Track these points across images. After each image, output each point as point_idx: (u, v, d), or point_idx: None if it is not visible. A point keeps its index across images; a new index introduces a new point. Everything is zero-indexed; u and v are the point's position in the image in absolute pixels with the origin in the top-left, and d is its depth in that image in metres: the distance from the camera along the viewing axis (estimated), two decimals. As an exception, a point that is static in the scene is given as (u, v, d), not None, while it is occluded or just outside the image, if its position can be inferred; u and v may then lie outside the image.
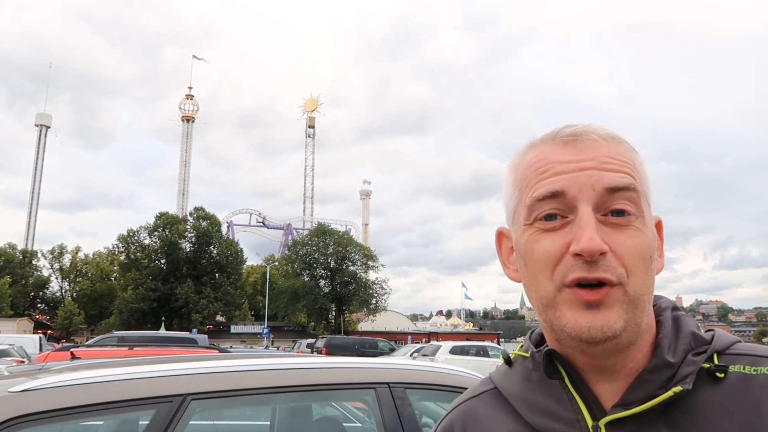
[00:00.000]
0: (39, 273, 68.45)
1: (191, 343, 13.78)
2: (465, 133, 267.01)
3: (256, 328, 57.03)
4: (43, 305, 69.48)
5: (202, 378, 1.97)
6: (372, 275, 64.33)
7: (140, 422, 1.86)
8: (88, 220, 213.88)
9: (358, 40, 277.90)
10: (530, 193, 0.70)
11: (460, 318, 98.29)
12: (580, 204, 0.67)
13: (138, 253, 59.16)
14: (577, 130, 0.71)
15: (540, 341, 0.77)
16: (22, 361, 13.62)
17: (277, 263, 72.22)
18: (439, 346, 21.90)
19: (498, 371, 0.83)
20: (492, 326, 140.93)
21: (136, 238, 59.60)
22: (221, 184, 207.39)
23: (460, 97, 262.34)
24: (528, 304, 0.76)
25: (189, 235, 60.22)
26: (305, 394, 2.21)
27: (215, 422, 2.51)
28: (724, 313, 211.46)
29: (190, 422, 1.87)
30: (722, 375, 0.66)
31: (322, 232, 62.89)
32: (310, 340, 31.04)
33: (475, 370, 2.76)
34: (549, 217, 0.68)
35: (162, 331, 23.84)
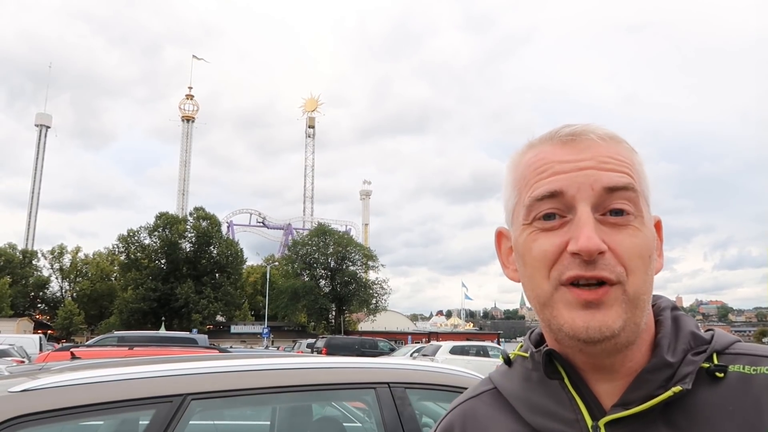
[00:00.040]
0: (39, 273, 68.45)
1: (191, 343, 13.78)
2: (465, 133, 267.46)
3: (256, 328, 57.02)
4: (43, 305, 69.47)
5: (202, 378, 1.97)
6: (372, 275, 64.41)
7: (140, 422, 1.86)
8: (88, 220, 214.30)
9: (358, 40, 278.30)
10: (529, 193, 0.70)
11: (460, 318, 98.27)
12: (579, 204, 0.66)
13: (138, 253, 59.16)
14: (576, 129, 0.71)
15: (540, 341, 0.77)
16: (22, 361, 13.62)
17: (277, 263, 72.22)
18: (439, 346, 21.89)
19: (497, 371, 0.83)
20: (492, 326, 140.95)
21: (136, 238, 59.62)
22: (221, 184, 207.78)
23: (461, 97, 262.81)
24: (528, 304, 0.76)
25: (189, 235, 60.22)
26: (305, 394, 2.21)
27: (215, 422, 2.51)
28: (724, 313, 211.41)
29: (190, 422, 1.87)
30: (722, 375, 0.66)
31: (322, 232, 62.89)
32: (310, 340, 31.05)
33: (475, 370, 2.76)
34: (548, 217, 0.68)
35: (162, 331, 23.84)
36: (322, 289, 61.09)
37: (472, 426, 0.77)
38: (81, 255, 70.18)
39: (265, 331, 47.37)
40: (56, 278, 69.40)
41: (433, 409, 2.64)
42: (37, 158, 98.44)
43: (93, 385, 1.81)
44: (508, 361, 0.80)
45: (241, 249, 63.80)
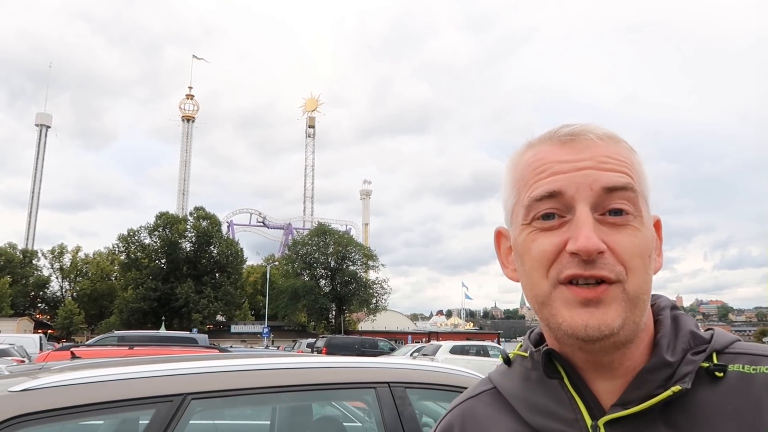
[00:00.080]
0: (39, 273, 68.44)
1: (191, 342, 13.76)
2: (465, 133, 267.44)
3: (257, 328, 56.99)
4: (44, 305, 69.47)
5: (202, 377, 1.97)
6: (372, 275, 64.43)
7: (140, 422, 1.86)
8: (89, 220, 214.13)
9: (358, 40, 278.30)
10: (528, 193, 0.70)
11: (461, 318, 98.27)
12: (578, 204, 0.66)
13: (138, 253, 59.16)
14: (575, 129, 0.71)
15: (539, 341, 0.77)
16: (23, 361, 13.63)
17: (277, 263, 72.22)
18: (440, 346, 21.91)
19: (497, 371, 0.83)
20: (492, 326, 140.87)
21: (136, 237, 59.60)
22: (221, 184, 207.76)
23: (461, 97, 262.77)
24: (528, 304, 0.76)
25: (189, 234, 60.20)
26: (305, 394, 2.21)
27: (215, 422, 2.51)
28: (724, 312, 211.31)
29: (190, 422, 1.87)
30: (721, 374, 0.66)
31: (322, 231, 62.88)
32: (311, 340, 31.06)
33: (475, 369, 2.76)
34: (547, 217, 0.68)
35: (162, 331, 23.82)
36: (322, 288, 61.07)
37: (472, 426, 0.77)
38: (81, 255, 70.26)
39: (265, 330, 47.34)
40: (56, 278, 69.49)
41: (433, 408, 2.64)
42: (37, 158, 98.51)
43: (93, 384, 1.81)
44: (507, 361, 0.80)
45: (241, 249, 63.85)
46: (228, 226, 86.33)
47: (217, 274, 60.37)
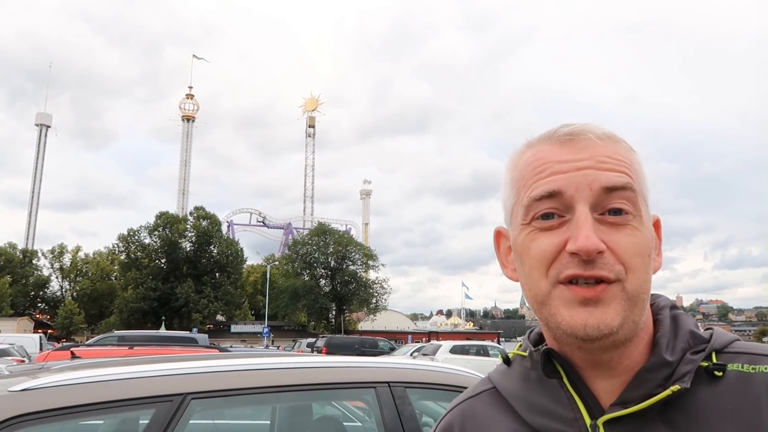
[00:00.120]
0: (39, 272, 68.44)
1: (191, 342, 13.76)
2: (465, 133, 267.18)
3: (257, 328, 57.00)
4: (44, 305, 69.46)
5: (202, 377, 1.97)
6: (372, 275, 64.45)
7: (140, 421, 1.86)
8: (89, 220, 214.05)
9: (358, 40, 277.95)
10: (527, 193, 0.70)
11: (461, 317, 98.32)
12: (577, 203, 0.66)
13: (138, 253, 59.17)
14: (574, 129, 0.71)
15: (539, 340, 0.77)
16: (23, 361, 13.62)
17: (277, 263, 72.15)
18: (440, 346, 21.92)
19: (496, 371, 0.83)
20: (492, 326, 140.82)
21: (136, 237, 59.61)
22: (221, 184, 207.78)
23: (461, 97, 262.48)
24: (528, 304, 0.76)
25: (189, 234, 60.21)
26: (305, 394, 2.21)
27: (215, 421, 2.51)
28: (724, 312, 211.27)
29: (190, 421, 1.87)
30: (721, 374, 0.66)
31: (322, 231, 62.89)
32: (311, 340, 31.08)
33: (475, 369, 2.76)
34: (546, 217, 0.68)
35: (162, 331, 23.80)
36: (322, 288, 61.09)
37: (472, 425, 0.77)
38: (81, 254, 70.26)
39: (266, 330, 47.33)
40: (56, 278, 69.49)
41: (433, 408, 2.64)
42: (37, 158, 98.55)
43: (93, 384, 1.81)
44: (507, 361, 0.80)
45: (242, 248, 63.89)
46: (228, 226, 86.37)
47: (217, 274, 60.38)
